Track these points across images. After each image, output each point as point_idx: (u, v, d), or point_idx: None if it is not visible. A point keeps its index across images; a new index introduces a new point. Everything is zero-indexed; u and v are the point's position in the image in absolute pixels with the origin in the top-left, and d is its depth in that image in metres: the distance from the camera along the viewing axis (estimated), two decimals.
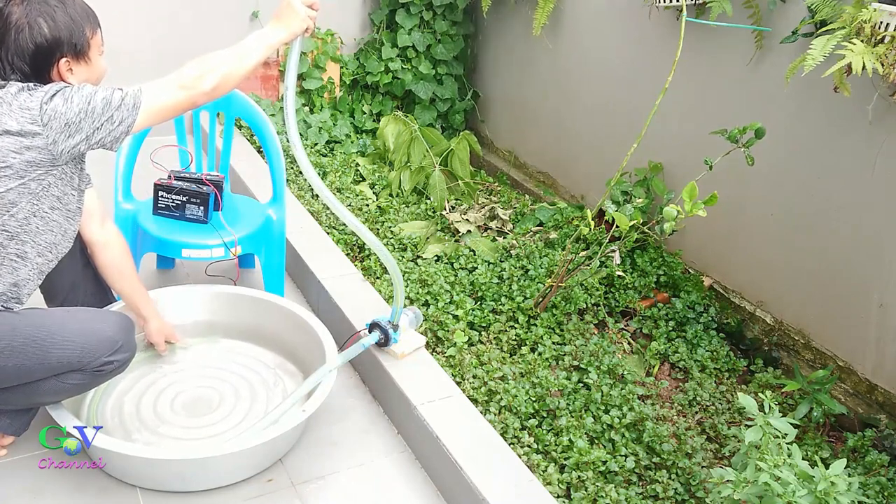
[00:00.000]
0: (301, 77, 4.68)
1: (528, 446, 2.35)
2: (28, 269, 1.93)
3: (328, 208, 3.61)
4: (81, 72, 1.93)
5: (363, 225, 2.21)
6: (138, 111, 1.83)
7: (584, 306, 3.09)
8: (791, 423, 1.86)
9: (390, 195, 4.04)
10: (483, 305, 3.03)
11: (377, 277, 3.14)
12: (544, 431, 2.43)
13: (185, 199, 2.64)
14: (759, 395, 2.15)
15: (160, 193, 2.66)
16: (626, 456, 2.37)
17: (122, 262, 2.23)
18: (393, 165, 4.24)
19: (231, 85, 1.89)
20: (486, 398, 2.51)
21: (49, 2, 1.86)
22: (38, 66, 1.86)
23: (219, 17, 4.45)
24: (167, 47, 4.26)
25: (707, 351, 3.01)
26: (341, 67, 4.80)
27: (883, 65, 2.43)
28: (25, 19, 1.82)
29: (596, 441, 2.44)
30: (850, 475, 1.87)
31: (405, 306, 2.45)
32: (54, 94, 1.81)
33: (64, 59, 1.88)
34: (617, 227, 2.72)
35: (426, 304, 3.00)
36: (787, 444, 1.82)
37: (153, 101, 1.84)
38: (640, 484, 2.33)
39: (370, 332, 2.42)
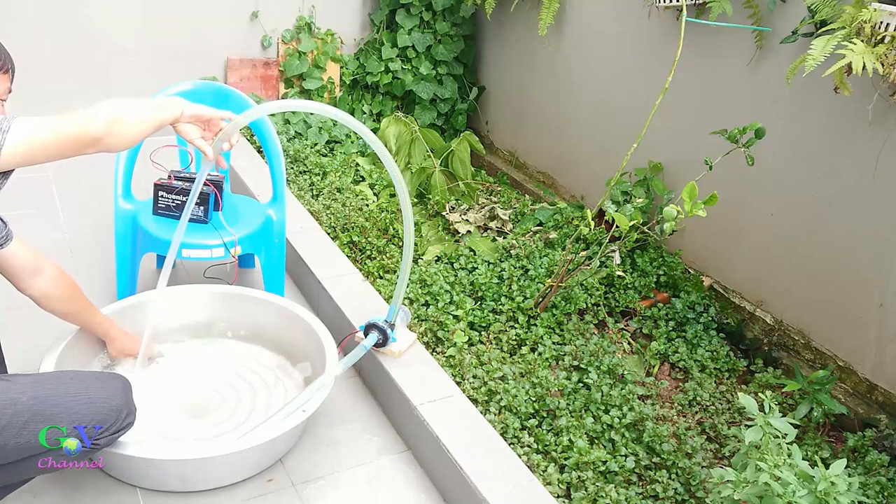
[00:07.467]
0: (301, 77, 4.69)
1: (528, 446, 2.34)
2: None
3: (328, 208, 3.61)
4: None
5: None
6: (5, 135, 1.47)
7: (584, 306, 3.09)
8: (791, 423, 1.86)
9: (391, 195, 4.04)
10: (483, 305, 3.03)
11: (378, 277, 3.14)
12: (544, 431, 2.43)
13: (185, 199, 2.64)
14: (759, 395, 2.15)
15: (160, 193, 2.66)
16: (626, 456, 2.37)
17: (66, 308, 2.09)
18: None
19: (123, 138, 1.60)
20: (486, 398, 2.51)
21: None
22: None
23: (219, 17, 4.45)
24: (166, 46, 4.26)
25: (707, 351, 3.01)
26: (341, 67, 4.80)
27: (883, 65, 2.43)
28: None
29: (596, 441, 2.44)
30: (850, 475, 1.87)
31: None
32: None
33: None
34: (617, 227, 2.72)
35: (426, 305, 3.00)
36: (787, 444, 1.82)
37: (26, 130, 1.49)
38: (640, 484, 2.33)
39: (366, 333, 2.41)
